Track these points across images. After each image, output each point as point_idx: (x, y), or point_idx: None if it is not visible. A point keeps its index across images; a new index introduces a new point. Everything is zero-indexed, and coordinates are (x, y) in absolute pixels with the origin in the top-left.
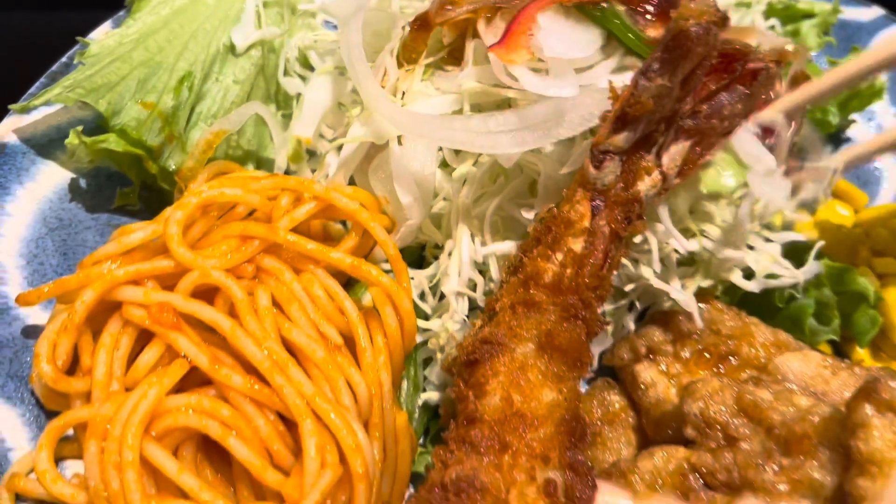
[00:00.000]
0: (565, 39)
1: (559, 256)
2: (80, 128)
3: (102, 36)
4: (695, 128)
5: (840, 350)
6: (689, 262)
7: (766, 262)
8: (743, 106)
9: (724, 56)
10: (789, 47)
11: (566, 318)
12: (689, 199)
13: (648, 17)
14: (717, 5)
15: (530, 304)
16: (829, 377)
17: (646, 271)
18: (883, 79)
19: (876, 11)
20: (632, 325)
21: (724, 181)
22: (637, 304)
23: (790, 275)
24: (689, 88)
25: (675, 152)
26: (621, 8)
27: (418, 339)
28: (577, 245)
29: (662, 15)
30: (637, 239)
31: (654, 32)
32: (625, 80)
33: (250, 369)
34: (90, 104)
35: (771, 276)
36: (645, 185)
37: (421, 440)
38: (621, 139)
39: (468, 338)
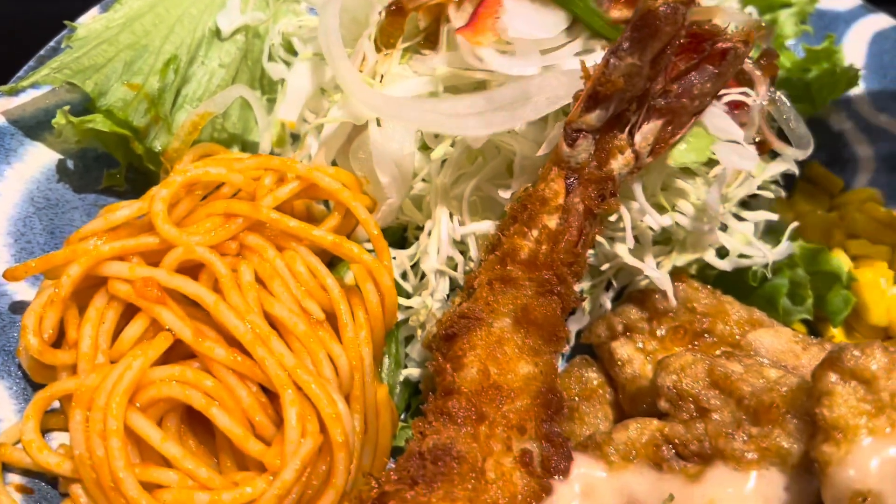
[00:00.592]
0: (530, 21)
1: (535, 233)
2: (67, 108)
3: (90, 20)
4: (666, 107)
5: (814, 329)
6: (665, 241)
7: (738, 242)
8: (712, 85)
9: (693, 36)
10: (753, 18)
11: (542, 293)
12: (661, 175)
13: None
14: None
15: (507, 280)
16: (800, 352)
17: (621, 249)
18: (861, 64)
19: (853, 1)
20: (609, 304)
21: (692, 156)
22: (614, 283)
23: (762, 255)
24: (659, 68)
25: (648, 131)
26: None
27: (400, 316)
28: (552, 222)
29: None
30: (612, 217)
31: (619, 14)
32: (594, 60)
33: (233, 342)
34: (77, 85)
35: (744, 256)
36: (618, 164)
37: (402, 416)
38: (593, 118)
39: (447, 313)
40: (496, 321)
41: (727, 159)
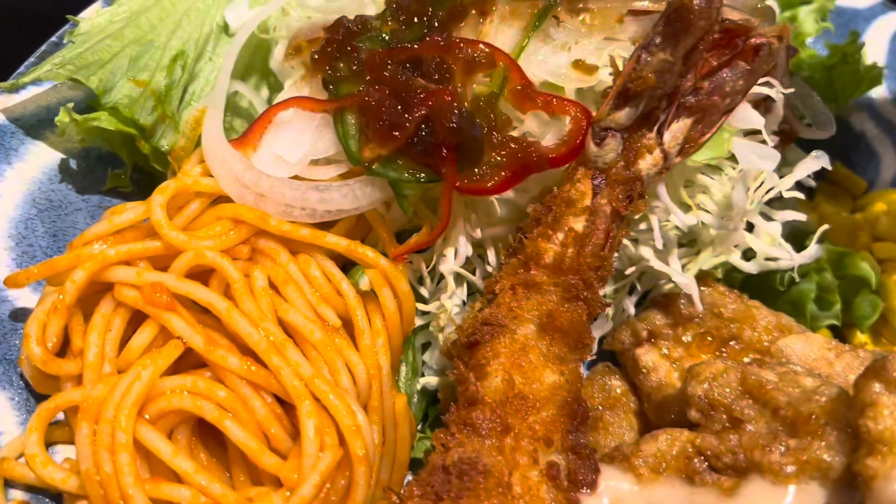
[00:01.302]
0: (291, 143)
1: (560, 236)
2: (70, 105)
3: (93, 14)
4: (696, 105)
5: (840, 335)
6: (690, 244)
7: (765, 243)
8: (745, 82)
9: (726, 31)
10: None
11: (567, 298)
12: (683, 172)
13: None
14: None
15: (531, 285)
16: (833, 359)
17: (646, 251)
18: (881, 63)
19: None
20: (632, 309)
21: (709, 152)
22: (637, 287)
23: (789, 258)
24: (690, 64)
25: (677, 130)
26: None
27: (417, 322)
28: (579, 224)
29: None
30: (635, 216)
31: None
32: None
33: (246, 351)
34: (81, 82)
35: (770, 259)
36: (646, 164)
37: (419, 426)
38: (623, 116)
39: (468, 320)
40: (520, 328)
41: (746, 158)
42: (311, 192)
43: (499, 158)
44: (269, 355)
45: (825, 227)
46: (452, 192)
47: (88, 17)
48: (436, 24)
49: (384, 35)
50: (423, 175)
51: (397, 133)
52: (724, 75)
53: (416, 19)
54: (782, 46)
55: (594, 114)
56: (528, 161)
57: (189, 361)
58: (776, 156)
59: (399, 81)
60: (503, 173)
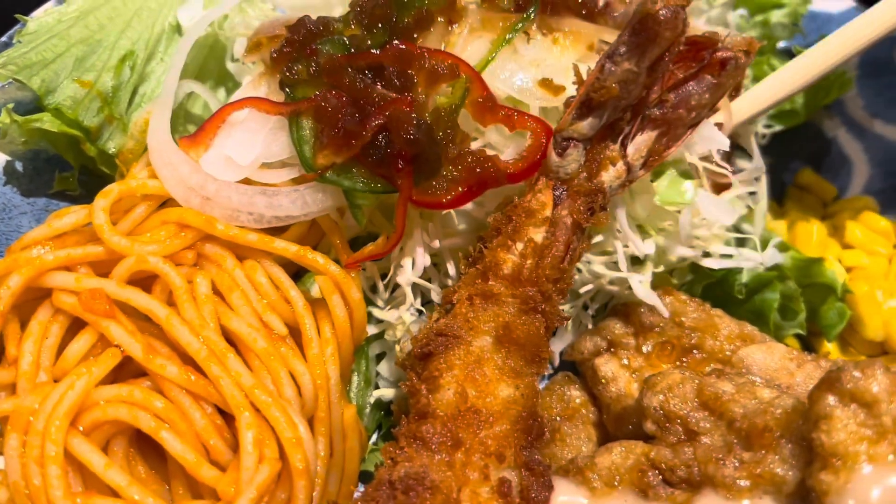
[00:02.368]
0: (243, 145)
1: (519, 247)
2: (11, 106)
3: (41, 14)
4: (661, 117)
5: (807, 344)
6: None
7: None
8: (710, 96)
9: (692, 44)
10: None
11: (525, 310)
12: (647, 207)
13: None
14: None
15: (488, 296)
16: (794, 370)
17: (599, 268)
18: (851, 69)
19: (846, 3)
20: (590, 322)
21: (677, 197)
22: (592, 302)
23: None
24: (656, 75)
25: (641, 142)
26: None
27: (372, 330)
28: (539, 235)
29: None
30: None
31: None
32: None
33: (188, 360)
34: (23, 82)
35: (727, 256)
36: (609, 176)
37: (373, 438)
38: (585, 126)
39: (423, 330)
40: (476, 340)
41: (707, 211)
42: (258, 196)
43: (456, 172)
44: (209, 364)
45: (777, 239)
46: (408, 204)
47: (37, 17)
48: (400, 31)
49: (345, 39)
50: (378, 185)
51: (353, 141)
52: (690, 88)
53: (379, 24)
54: (749, 61)
55: (560, 120)
56: (485, 176)
57: (129, 370)
58: (736, 212)
59: (357, 88)
60: (460, 188)
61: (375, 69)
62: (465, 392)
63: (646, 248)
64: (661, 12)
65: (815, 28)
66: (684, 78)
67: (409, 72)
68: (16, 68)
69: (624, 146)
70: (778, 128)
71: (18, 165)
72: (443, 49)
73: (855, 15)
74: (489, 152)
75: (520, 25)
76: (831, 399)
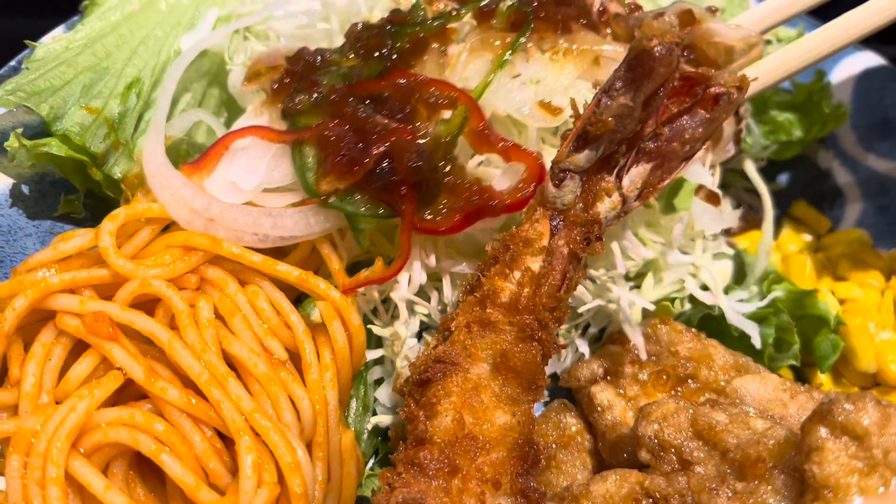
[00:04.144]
0: (247, 170)
1: (517, 275)
2: (19, 130)
3: (50, 40)
4: (656, 150)
5: (801, 374)
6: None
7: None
8: (704, 130)
9: (686, 79)
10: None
11: (522, 338)
12: (643, 213)
13: None
14: (678, 27)
15: (486, 324)
16: (788, 400)
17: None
18: (847, 103)
19: None
20: (587, 349)
21: (680, 203)
22: (591, 325)
23: (747, 296)
24: (650, 110)
25: (636, 175)
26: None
27: (372, 354)
28: (535, 264)
29: None
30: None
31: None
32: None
33: (189, 383)
34: (33, 109)
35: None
36: (605, 207)
37: (370, 464)
38: (582, 158)
39: (421, 356)
40: (473, 367)
41: (701, 220)
42: (263, 217)
43: (453, 201)
44: (210, 388)
45: (763, 264)
46: (412, 230)
47: (45, 43)
48: (396, 58)
49: (344, 69)
50: (380, 210)
51: (356, 168)
52: (684, 122)
53: (375, 53)
54: (742, 96)
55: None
56: (481, 206)
57: (131, 392)
58: (726, 221)
59: (359, 118)
60: (456, 216)
61: (376, 98)
62: (463, 419)
63: (647, 253)
64: (655, 49)
65: None
66: (678, 112)
67: (409, 101)
68: (25, 95)
69: (619, 178)
70: (773, 157)
71: (24, 188)
72: (441, 74)
73: (850, 51)
74: (490, 170)
75: (517, 45)
76: (823, 431)
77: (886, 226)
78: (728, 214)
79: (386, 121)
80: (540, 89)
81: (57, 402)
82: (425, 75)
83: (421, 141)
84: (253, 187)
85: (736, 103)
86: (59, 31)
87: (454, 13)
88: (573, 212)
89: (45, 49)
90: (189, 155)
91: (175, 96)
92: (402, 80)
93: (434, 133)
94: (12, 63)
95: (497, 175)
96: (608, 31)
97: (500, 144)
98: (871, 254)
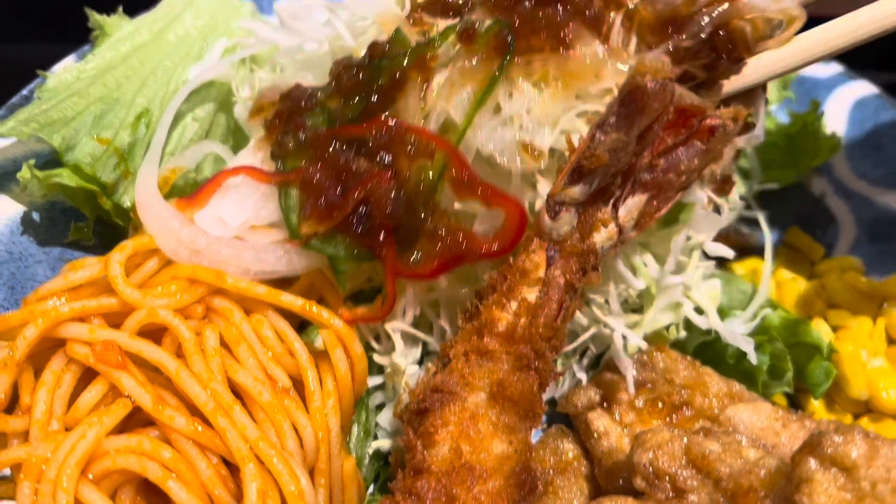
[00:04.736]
0: (237, 208)
1: (513, 305)
2: (32, 161)
3: (61, 70)
4: (652, 181)
5: (795, 400)
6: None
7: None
8: (700, 161)
9: (681, 112)
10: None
11: (519, 367)
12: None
13: None
14: (670, 62)
15: (483, 353)
16: (780, 429)
17: (598, 313)
18: (841, 132)
19: (834, 68)
20: (584, 375)
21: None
22: (592, 348)
23: (742, 321)
24: (645, 143)
25: (632, 205)
26: None
27: (373, 381)
28: (532, 295)
29: None
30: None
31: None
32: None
33: (195, 411)
34: (45, 140)
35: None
36: (601, 237)
37: (371, 488)
38: (577, 191)
39: (420, 384)
40: (470, 396)
41: (699, 227)
42: (246, 251)
43: (433, 246)
44: (216, 416)
45: (763, 297)
46: (395, 273)
47: (56, 73)
48: (378, 96)
49: (328, 109)
50: (360, 253)
51: (335, 213)
52: (680, 154)
53: (356, 92)
54: (737, 128)
55: (553, 185)
56: (460, 253)
57: (139, 418)
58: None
59: (339, 163)
60: (436, 261)
61: (358, 141)
62: (460, 448)
63: (639, 283)
64: (649, 85)
65: (804, 92)
66: (674, 144)
67: (389, 147)
68: (38, 126)
69: (616, 208)
70: (768, 184)
71: (35, 215)
72: (425, 106)
73: (842, 80)
74: (474, 208)
75: (496, 80)
76: (813, 463)
77: (879, 253)
78: (726, 215)
79: (366, 165)
80: (526, 123)
81: (67, 429)
82: (403, 121)
83: (399, 187)
84: (239, 224)
85: (732, 135)
86: (69, 61)
87: (430, 44)
88: (569, 242)
89: (57, 79)
90: (197, 185)
91: (183, 126)
92: (380, 126)
93: (413, 180)
94: (24, 92)
95: (480, 215)
96: (615, 16)
97: (482, 191)
98: (863, 281)
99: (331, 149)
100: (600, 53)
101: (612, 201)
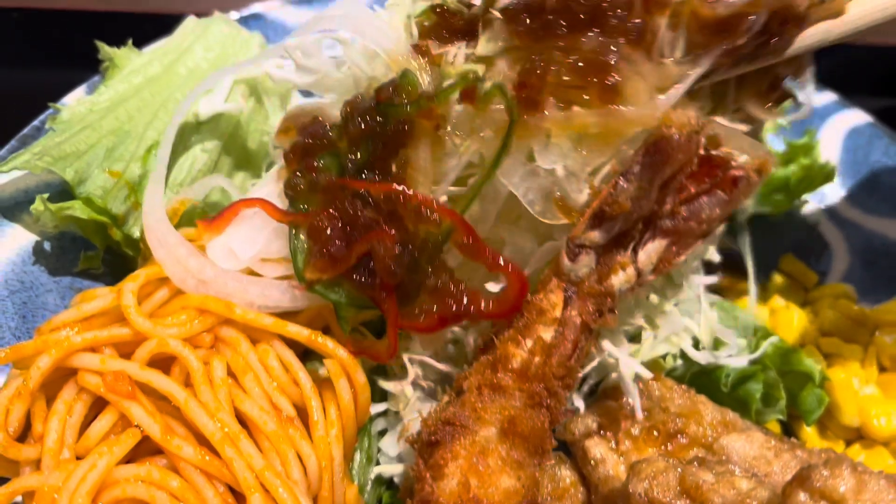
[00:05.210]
0: (247, 241)
1: (529, 343)
2: (45, 195)
3: (74, 103)
4: (672, 228)
5: (788, 428)
6: (635, 339)
7: (706, 333)
8: (721, 211)
9: (706, 161)
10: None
11: (531, 405)
12: None
13: None
14: (698, 116)
15: (497, 388)
16: (772, 458)
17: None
18: (835, 160)
19: (829, 96)
20: (582, 403)
21: None
22: (591, 376)
23: (735, 348)
24: (668, 191)
25: (652, 250)
26: None
27: (377, 407)
28: (548, 334)
29: None
30: None
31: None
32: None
33: (202, 440)
34: (58, 173)
35: (717, 343)
36: (619, 280)
37: None
38: (597, 235)
39: (433, 415)
40: (482, 430)
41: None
42: (252, 286)
43: (435, 302)
44: (223, 446)
45: (774, 338)
46: (396, 326)
47: (69, 106)
48: (386, 142)
49: (340, 152)
50: (362, 302)
51: (338, 263)
52: (702, 203)
53: (364, 138)
54: (762, 180)
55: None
56: (461, 311)
57: (147, 447)
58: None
59: (347, 213)
60: (437, 317)
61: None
62: (468, 482)
63: (637, 319)
64: (674, 137)
65: (798, 120)
66: (696, 193)
67: (396, 207)
68: (51, 159)
69: (635, 252)
70: (763, 211)
71: (46, 245)
72: (440, 154)
73: (836, 109)
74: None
75: (501, 157)
76: (802, 496)
77: (872, 281)
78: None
79: (373, 217)
80: (560, 175)
81: (77, 458)
82: (409, 190)
83: (404, 243)
84: (249, 257)
85: (755, 186)
86: (81, 93)
87: (435, 97)
88: (587, 284)
89: (70, 111)
90: (205, 213)
91: (192, 157)
92: (388, 190)
93: (419, 242)
94: (35, 123)
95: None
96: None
97: (486, 257)
98: (855, 309)
99: (339, 198)
100: (644, 92)
101: (631, 245)
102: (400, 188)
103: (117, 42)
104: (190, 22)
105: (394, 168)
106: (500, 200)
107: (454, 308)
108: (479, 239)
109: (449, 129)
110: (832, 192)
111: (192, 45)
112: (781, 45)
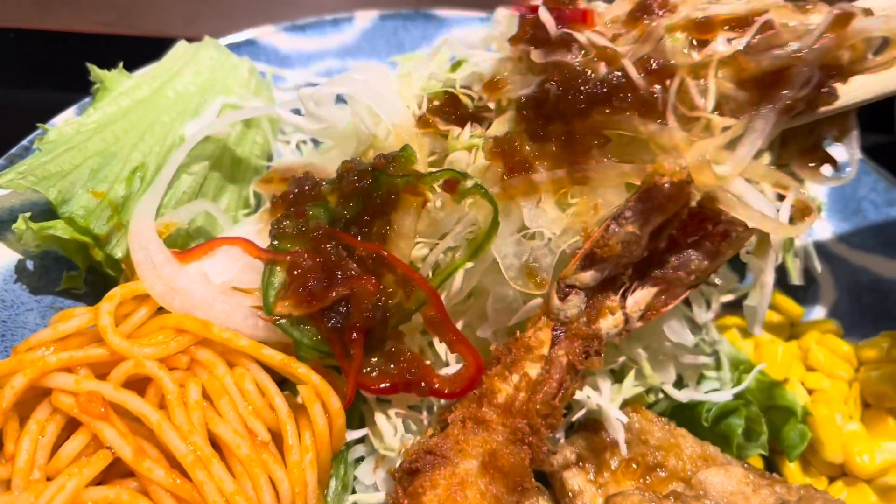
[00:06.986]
0: (223, 269)
1: (514, 379)
2: (28, 214)
3: (62, 123)
4: (661, 277)
5: (771, 462)
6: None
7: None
8: (710, 263)
9: (697, 214)
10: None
11: (513, 441)
12: None
13: None
14: (689, 167)
15: (480, 421)
16: (750, 494)
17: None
18: (822, 197)
19: None
20: (561, 434)
21: None
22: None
23: (718, 386)
24: (658, 239)
25: (640, 297)
26: None
27: (354, 433)
28: (534, 371)
29: None
30: None
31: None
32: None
33: (176, 462)
34: (42, 192)
35: (701, 378)
36: (607, 324)
37: None
38: (587, 277)
39: (415, 445)
40: (462, 462)
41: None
42: (219, 303)
43: (391, 366)
44: (195, 469)
45: (762, 365)
46: (356, 382)
47: (57, 127)
48: (374, 205)
49: (330, 205)
50: (322, 347)
51: (314, 301)
52: (691, 254)
53: (355, 197)
54: (750, 234)
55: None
56: (412, 381)
57: (119, 468)
58: None
59: (331, 258)
60: (389, 381)
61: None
62: None
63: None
64: (665, 186)
65: None
66: (686, 244)
67: (379, 266)
68: (35, 179)
69: (624, 297)
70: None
71: (28, 264)
72: (426, 221)
73: (826, 145)
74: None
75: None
76: None
77: (858, 316)
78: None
79: (354, 266)
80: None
81: (48, 478)
82: (393, 256)
83: (381, 297)
84: (221, 282)
85: (744, 240)
86: (70, 114)
87: (424, 179)
88: (576, 325)
89: (58, 132)
90: (190, 237)
91: (177, 180)
92: (374, 252)
93: (394, 301)
94: (24, 143)
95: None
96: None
97: (450, 336)
98: (840, 344)
99: (328, 243)
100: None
101: (621, 290)
102: (385, 253)
103: (110, 64)
104: (180, 46)
105: (378, 228)
106: (487, 261)
107: (408, 377)
108: (447, 317)
109: (438, 204)
110: (819, 227)
111: (181, 70)
112: (828, 98)
